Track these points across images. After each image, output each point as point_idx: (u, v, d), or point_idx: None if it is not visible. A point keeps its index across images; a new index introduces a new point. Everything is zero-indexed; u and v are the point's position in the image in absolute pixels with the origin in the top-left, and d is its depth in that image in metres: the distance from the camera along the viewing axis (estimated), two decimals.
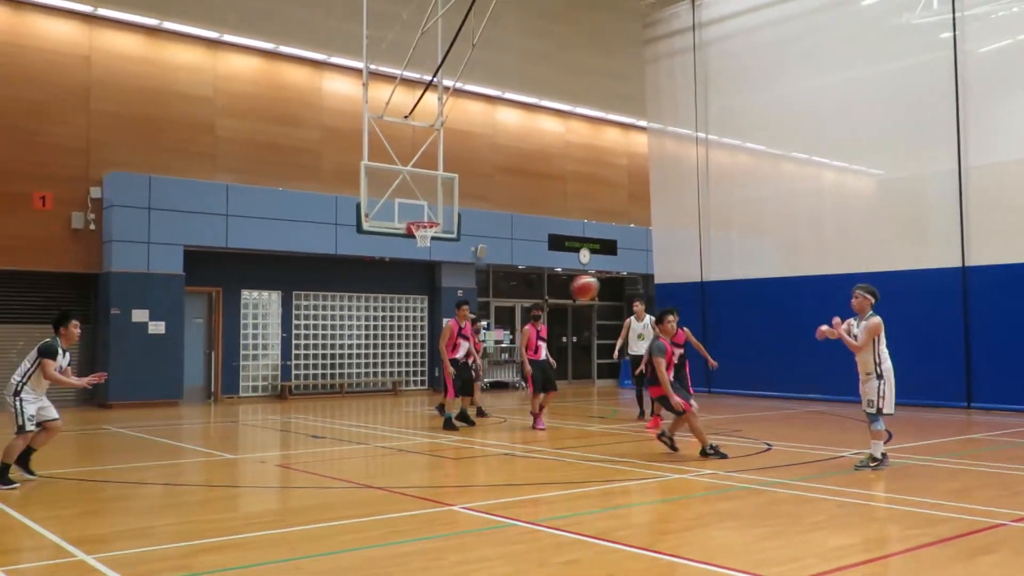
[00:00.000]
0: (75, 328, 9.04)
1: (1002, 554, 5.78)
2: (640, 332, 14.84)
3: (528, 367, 13.56)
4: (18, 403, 8.66)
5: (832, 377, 18.74)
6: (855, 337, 9.82)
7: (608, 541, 6.17)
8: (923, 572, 5.39)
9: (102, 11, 18.72)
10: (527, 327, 13.84)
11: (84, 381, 9.13)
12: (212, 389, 20.06)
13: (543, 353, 13.72)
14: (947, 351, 17.05)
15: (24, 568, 5.57)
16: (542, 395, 13.63)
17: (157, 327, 18.22)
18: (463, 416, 14.03)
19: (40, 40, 18.24)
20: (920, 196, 17.95)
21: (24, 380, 8.71)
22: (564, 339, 26.93)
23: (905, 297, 17.67)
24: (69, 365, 9.06)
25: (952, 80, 17.11)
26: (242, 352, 20.40)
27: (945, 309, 17.15)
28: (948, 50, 17.24)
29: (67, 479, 9.16)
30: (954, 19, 17.20)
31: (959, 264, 16.99)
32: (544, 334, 13.86)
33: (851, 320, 9.54)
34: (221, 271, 19.99)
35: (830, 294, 19.06)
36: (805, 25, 19.97)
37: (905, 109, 17.98)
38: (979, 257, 16.77)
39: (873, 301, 10.06)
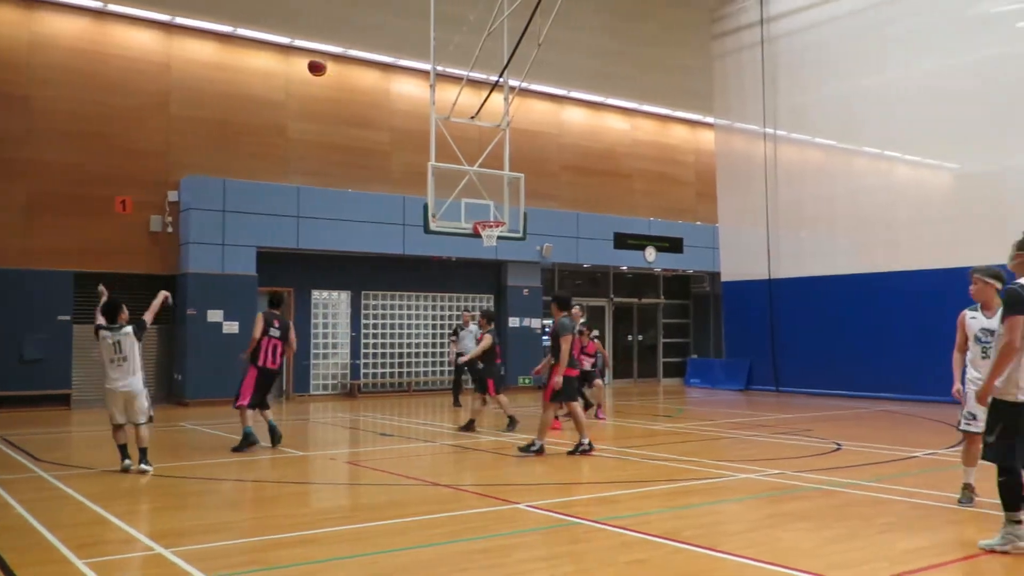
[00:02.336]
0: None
1: None
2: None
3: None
4: (148, 394, 9.55)
5: (904, 376, 18.38)
6: (990, 333, 7.08)
7: (674, 541, 6.18)
8: None
9: (179, 20, 19.27)
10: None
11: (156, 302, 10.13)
12: (283, 387, 20.50)
13: (586, 364, 13.99)
14: None
15: (104, 561, 5.80)
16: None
17: (231, 327, 18.69)
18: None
19: (121, 48, 18.86)
20: (998, 190, 17.42)
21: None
22: (630, 338, 26.82)
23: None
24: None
25: None
26: (312, 351, 20.80)
27: None
28: None
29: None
30: None
31: None
32: (591, 350, 14.47)
33: (965, 312, 7.93)
34: (292, 272, 20.40)
35: (902, 291, 18.71)
36: (875, 17, 19.55)
37: (982, 101, 17.48)
38: None
39: (999, 287, 7.16)
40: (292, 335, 11.55)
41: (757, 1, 22.37)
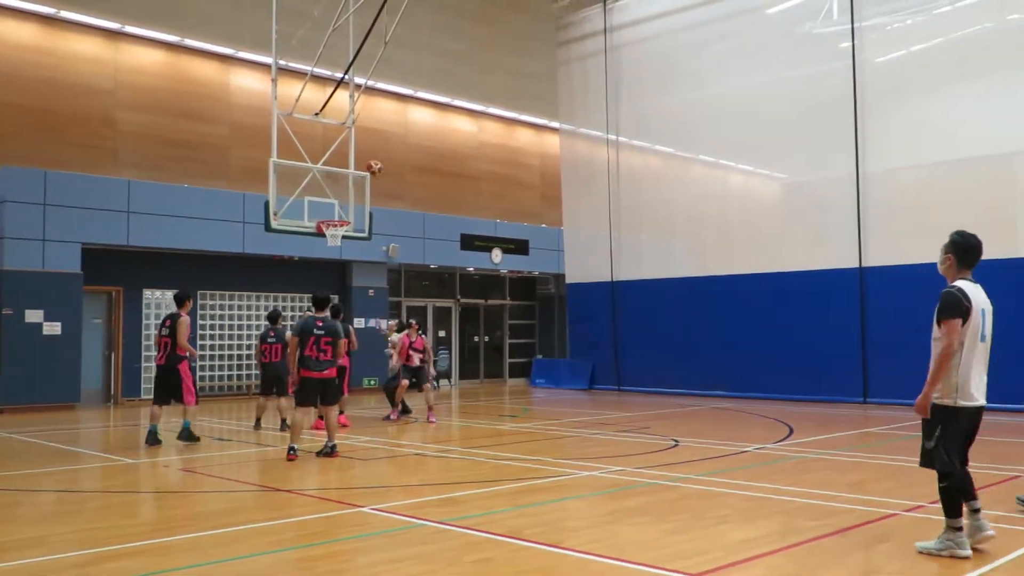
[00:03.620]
0: None
1: (896, 542, 6.03)
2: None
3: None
4: None
5: (736, 375, 19.31)
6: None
7: (519, 539, 6.21)
8: (824, 562, 5.57)
9: None
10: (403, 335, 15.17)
11: None
12: (112, 392, 19.39)
13: (416, 360, 15.05)
14: (845, 348, 17.69)
15: None
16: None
17: (52, 328, 17.51)
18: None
19: None
20: (821, 199, 18.57)
21: None
22: (476, 338, 26.95)
23: (807, 296, 18.32)
24: None
25: (851, 88, 17.77)
26: (144, 353, 19.78)
27: (844, 308, 17.80)
28: (847, 59, 17.89)
29: None
30: (853, 29, 17.86)
31: (856, 265, 17.65)
32: (419, 345, 15.24)
33: None
34: (122, 270, 19.34)
35: (735, 293, 19.66)
36: (713, 32, 20.45)
37: (807, 115, 18.58)
38: (875, 258, 17.46)
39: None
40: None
41: (601, 11, 22.96)
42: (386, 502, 7.68)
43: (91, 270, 18.28)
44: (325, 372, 10.55)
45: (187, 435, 12.11)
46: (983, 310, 5.81)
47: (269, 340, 13.77)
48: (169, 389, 12.18)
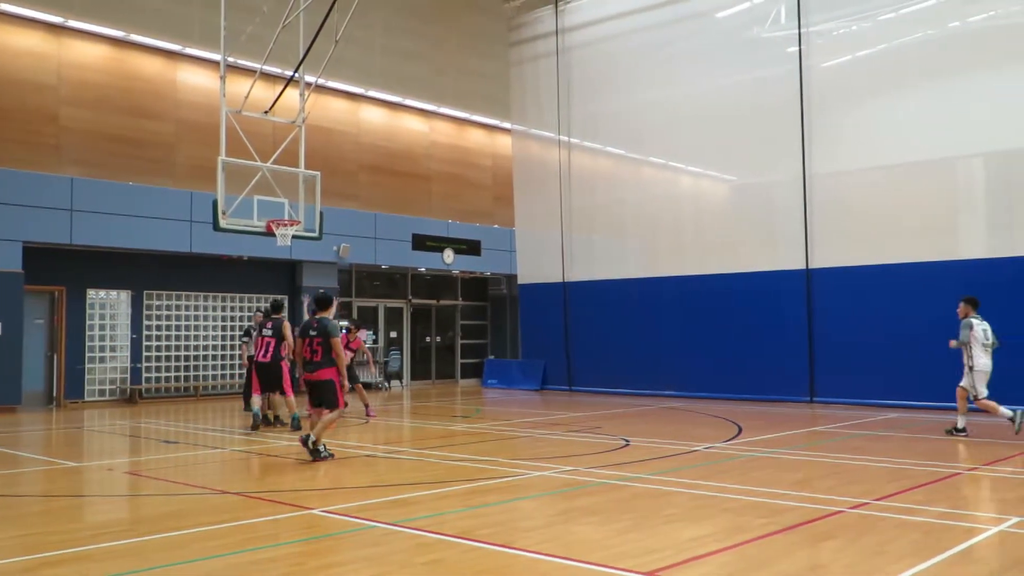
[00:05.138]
0: None
1: (841, 539, 6.13)
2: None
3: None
4: None
5: (686, 375, 19.51)
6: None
7: (470, 540, 6.20)
8: (771, 559, 5.65)
9: None
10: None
11: None
12: (54, 394, 18.96)
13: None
14: (793, 348, 17.98)
15: None
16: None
17: None
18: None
19: None
20: (769, 201, 18.84)
21: None
22: (428, 339, 26.87)
23: (756, 297, 18.57)
24: None
25: (798, 92, 18.05)
26: (88, 354, 19.37)
27: (791, 308, 18.08)
28: (794, 64, 18.18)
29: None
30: (800, 34, 18.15)
31: (803, 266, 17.94)
32: (355, 346, 16.04)
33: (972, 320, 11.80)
34: (65, 269, 18.92)
35: (688, 294, 19.85)
36: (663, 35, 20.63)
37: (756, 118, 18.83)
38: (821, 260, 17.76)
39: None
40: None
41: (552, 12, 23.04)
42: (336, 504, 7.62)
43: (33, 269, 17.86)
44: (316, 374, 10.28)
45: (296, 424, 13.16)
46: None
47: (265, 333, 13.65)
48: (271, 383, 13.42)
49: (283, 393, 13.51)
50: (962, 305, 11.99)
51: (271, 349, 13.37)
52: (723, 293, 19.10)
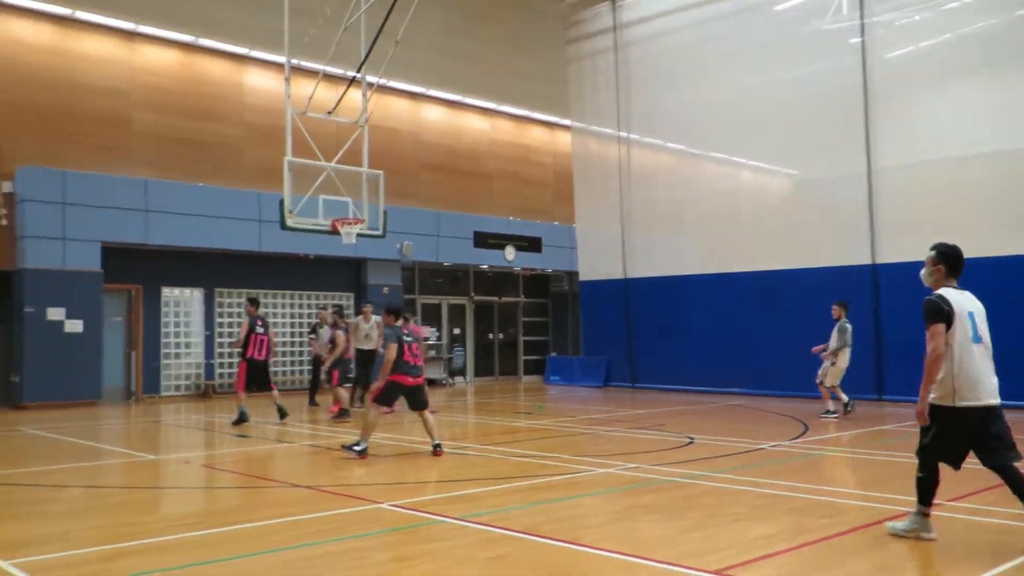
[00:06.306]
0: None
1: (909, 541, 6.05)
2: (367, 332, 16.24)
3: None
4: None
5: (749, 371, 19.29)
6: None
7: (535, 536, 6.26)
8: (837, 560, 5.61)
9: (9, 0, 18.06)
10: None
11: None
12: (132, 389, 19.58)
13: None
14: (860, 345, 17.62)
15: None
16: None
17: (74, 325, 17.70)
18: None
19: None
20: (833, 196, 18.50)
21: None
22: (491, 336, 27.03)
23: (820, 292, 18.24)
24: None
25: (861, 84, 17.71)
26: (163, 351, 19.96)
27: (857, 304, 17.72)
28: (857, 55, 17.83)
29: None
30: (862, 25, 17.79)
31: (869, 262, 17.61)
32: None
33: None
34: (141, 268, 19.52)
35: (746, 290, 19.65)
36: (721, 28, 20.41)
37: (818, 112, 18.52)
38: (887, 255, 17.40)
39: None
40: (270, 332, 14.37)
41: (609, 8, 22.95)
42: (403, 498, 7.76)
43: (111, 268, 18.47)
44: (419, 379, 10.39)
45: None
46: (970, 312, 5.99)
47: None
48: (262, 381, 14.30)
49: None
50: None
51: (265, 347, 14.10)
52: (787, 289, 18.84)
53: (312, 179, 15.56)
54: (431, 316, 25.24)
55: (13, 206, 17.83)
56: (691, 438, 11.76)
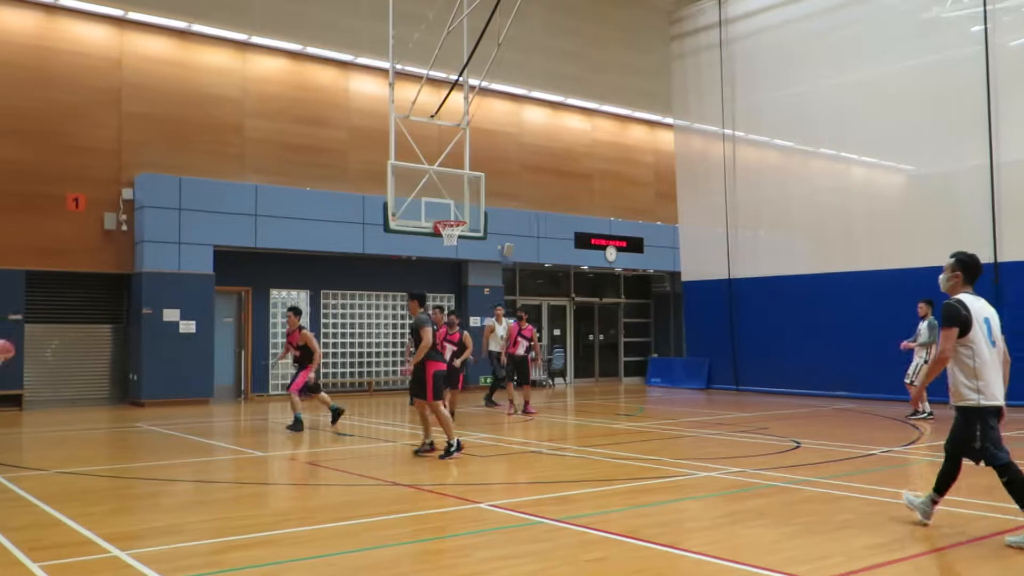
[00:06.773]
0: None
1: None
2: (502, 334, 17.29)
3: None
4: None
5: (859, 374, 18.64)
6: None
7: (635, 539, 6.19)
8: (952, 572, 5.35)
9: (132, 15, 18.93)
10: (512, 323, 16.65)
11: None
12: (242, 387, 20.27)
13: (521, 349, 16.46)
14: None
15: (60, 564, 5.66)
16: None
17: (188, 326, 18.44)
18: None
19: (72, 44, 18.48)
20: (951, 192, 17.74)
21: None
22: (591, 337, 26.91)
23: (934, 293, 17.48)
24: None
25: (983, 74, 16.91)
26: (271, 351, 20.59)
27: None
28: (979, 44, 17.04)
29: (99, 476, 9.32)
30: (985, 12, 16.99)
31: (991, 260, 16.79)
32: (528, 333, 16.55)
33: None
34: (250, 271, 20.19)
35: (857, 290, 18.98)
36: (832, 21, 19.81)
37: (935, 104, 17.79)
38: (1011, 253, 16.57)
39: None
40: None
41: (715, 3, 22.56)
42: (502, 499, 7.78)
43: (222, 271, 19.16)
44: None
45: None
46: (986, 318, 6.33)
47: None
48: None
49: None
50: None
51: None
52: (900, 289, 18.10)
53: (415, 182, 15.79)
54: (531, 317, 25.26)
55: (132, 212, 18.69)
56: (797, 442, 11.44)
